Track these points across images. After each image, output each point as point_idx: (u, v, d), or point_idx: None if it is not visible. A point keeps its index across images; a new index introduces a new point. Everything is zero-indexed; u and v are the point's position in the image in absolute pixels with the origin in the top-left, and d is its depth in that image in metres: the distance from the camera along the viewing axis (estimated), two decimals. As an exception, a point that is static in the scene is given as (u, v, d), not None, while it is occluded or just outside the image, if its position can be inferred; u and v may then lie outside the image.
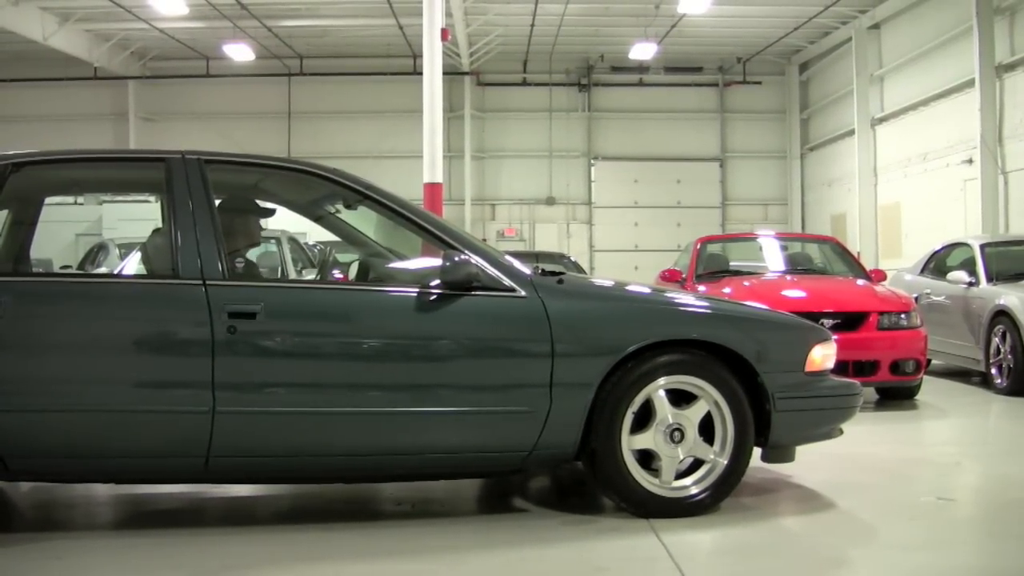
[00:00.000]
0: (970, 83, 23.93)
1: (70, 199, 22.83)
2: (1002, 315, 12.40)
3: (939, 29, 26.02)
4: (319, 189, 6.71)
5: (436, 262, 5.88)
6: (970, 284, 13.38)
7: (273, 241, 16.19)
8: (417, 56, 24.91)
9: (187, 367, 5.53)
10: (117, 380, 5.52)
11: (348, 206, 6.79)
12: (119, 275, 8.18)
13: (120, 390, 5.52)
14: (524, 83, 35.17)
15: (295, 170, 6.46)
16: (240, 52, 30.28)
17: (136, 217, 19.95)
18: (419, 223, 6.12)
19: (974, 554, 5.69)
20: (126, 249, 14.97)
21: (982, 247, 13.96)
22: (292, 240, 16.66)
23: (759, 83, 35.85)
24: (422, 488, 6.99)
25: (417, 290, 5.86)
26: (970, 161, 24.27)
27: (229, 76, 33.08)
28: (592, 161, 35.59)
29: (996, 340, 12.48)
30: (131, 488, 6.91)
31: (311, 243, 18.70)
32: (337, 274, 7.86)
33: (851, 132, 30.81)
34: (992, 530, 6.28)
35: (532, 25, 29.50)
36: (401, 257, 7.03)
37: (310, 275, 14.14)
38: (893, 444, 9.21)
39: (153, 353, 5.60)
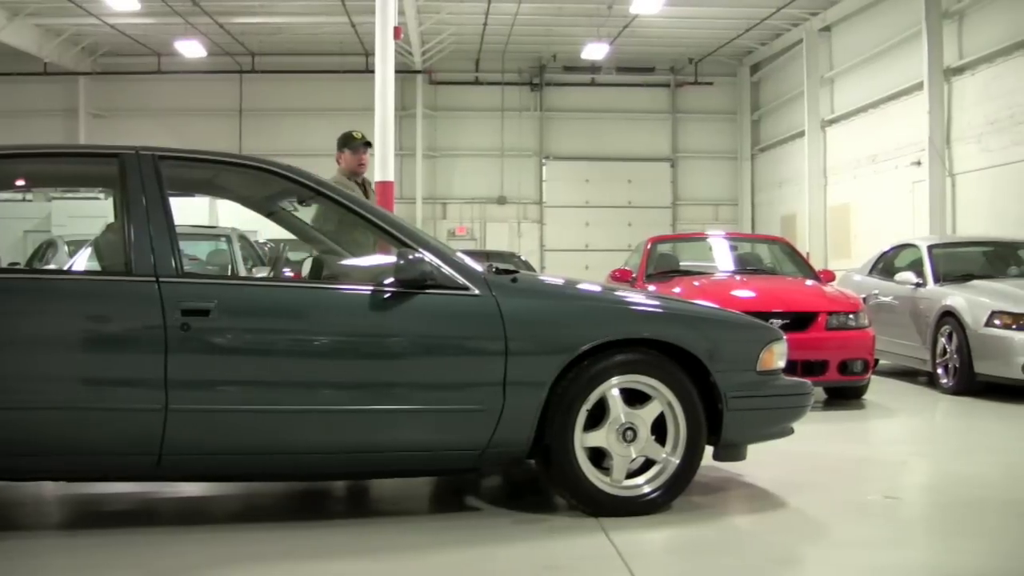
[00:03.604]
0: (919, 86, 24.15)
1: (19, 196, 22.64)
2: (948, 316, 12.51)
3: (889, 32, 26.24)
4: (273, 186, 6.67)
5: (390, 260, 5.87)
6: (918, 285, 13.49)
7: (223, 239, 16.10)
8: (369, 54, 24.87)
9: (139, 364, 5.48)
10: (68, 377, 5.46)
11: (302, 203, 6.78)
12: (71, 271, 8.12)
13: (71, 387, 5.46)
14: (476, 82, 35.19)
15: (250, 167, 6.42)
16: (192, 49, 30.16)
17: (87, 214, 19.84)
18: (373, 220, 6.11)
19: (921, 551, 5.74)
20: (76, 246, 14.85)
21: (930, 248, 14.09)
22: (243, 238, 16.58)
23: (711, 84, 36.01)
24: (375, 487, 6.99)
25: (371, 288, 5.85)
26: (919, 163, 24.48)
27: (181, 73, 32.94)
28: (544, 160, 35.65)
29: (943, 340, 12.59)
30: (82, 487, 6.86)
31: (261, 241, 18.61)
32: (288, 272, 7.82)
33: (801, 133, 31.01)
34: (938, 528, 6.35)
35: (485, 24, 29.52)
36: (355, 254, 7.02)
37: (261, 273, 14.06)
38: (842, 443, 9.28)
39: (105, 350, 5.55)
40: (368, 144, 9.99)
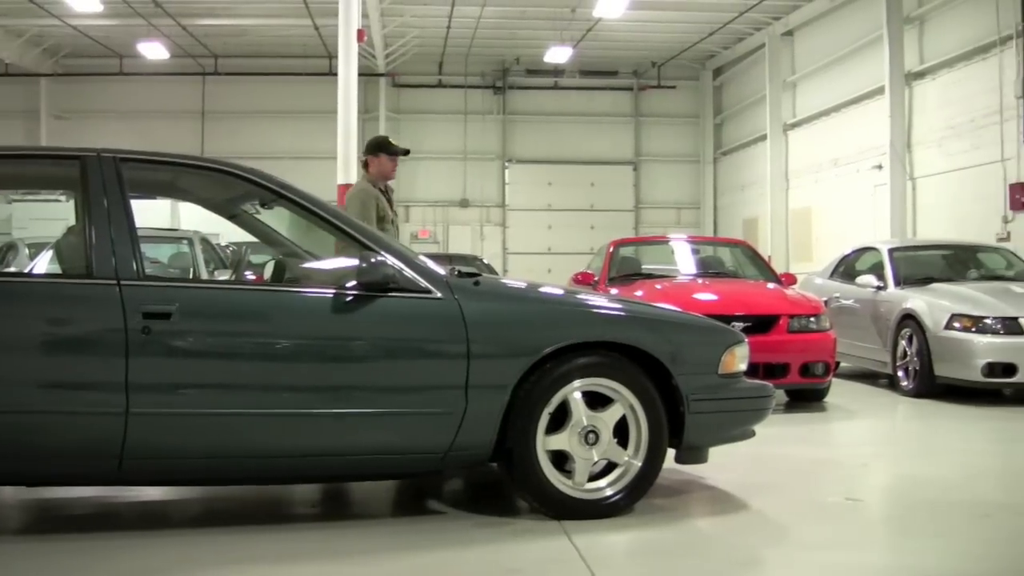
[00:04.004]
0: (880, 90, 24.32)
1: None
2: (909, 319, 12.58)
3: (851, 37, 26.41)
4: (236, 188, 6.64)
5: (352, 263, 5.85)
6: (878, 288, 13.58)
7: (185, 242, 16.04)
8: (333, 57, 24.77)
9: (100, 368, 5.44)
10: (28, 381, 5.41)
11: (264, 206, 6.75)
12: (31, 274, 8.07)
13: (31, 391, 5.41)
14: (440, 85, 35.22)
15: (212, 169, 6.38)
16: (154, 50, 30.01)
17: (47, 216, 19.73)
18: (336, 223, 6.09)
19: (882, 553, 5.76)
20: (36, 249, 14.77)
21: (890, 252, 14.18)
22: (204, 241, 16.52)
23: (673, 87, 36.15)
24: (337, 490, 6.98)
25: (333, 291, 5.84)
26: (880, 167, 24.66)
27: (143, 75, 32.79)
28: (506, 163, 35.69)
29: (903, 343, 12.67)
30: (41, 491, 6.81)
31: (223, 244, 18.55)
32: (250, 275, 7.79)
33: (764, 137, 31.16)
34: (899, 529, 6.39)
35: (448, 27, 29.54)
36: (317, 258, 7.01)
37: (223, 276, 14.01)
38: (803, 445, 9.32)
39: (66, 353, 5.51)
40: (407, 153, 9.92)
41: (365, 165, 10.00)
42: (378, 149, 9.86)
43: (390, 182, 10.03)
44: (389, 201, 9.81)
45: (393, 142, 9.90)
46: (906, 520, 6.60)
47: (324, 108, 22.24)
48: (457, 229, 35.28)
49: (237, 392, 5.64)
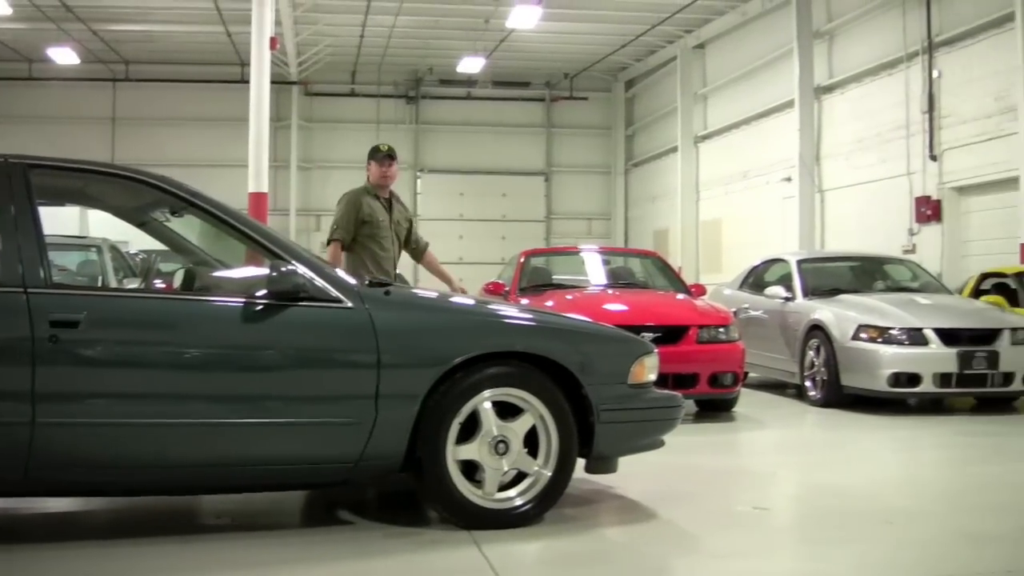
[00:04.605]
0: (790, 104, 24.62)
1: None
2: (817, 329, 12.74)
3: (762, 51, 26.70)
4: (145, 196, 6.57)
5: (263, 272, 5.83)
6: (787, 299, 13.73)
7: (94, 249, 15.85)
8: (245, 64, 24.62)
9: (6, 376, 5.35)
10: (-68, 390, 5.35)
11: (174, 214, 6.69)
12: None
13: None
14: (352, 94, 35.11)
15: (121, 176, 6.31)
16: (64, 55, 29.52)
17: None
18: (246, 232, 6.04)
19: (790, 560, 5.85)
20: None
21: (799, 263, 14.35)
22: (114, 248, 16.33)
23: (585, 99, 36.31)
24: (246, 500, 6.93)
25: (244, 300, 5.80)
26: (789, 179, 24.95)
27: (53, 80, 32.26)
28: (418, 173, 35.64)
29: (811, 353, 12.81)
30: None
31: (133, 252, 18.35)
32: (159, 284, 7.71)
33: (675, 149, 31.39)
34: (806, 537, 6.47)
35: (362, 36, 29.45)
36: (228, 266, 6.96)
37: (132, 284, 13.87)
38: (712, 455, 9.40)
39: (-31, 362, 5.44)
40: (392, 156, 9.87)
41: (367, 173, 9.99)
42: (369, 155, 9.88)
43: (392, 188, 9.96)
44: (390, 210, 9.75)
45: (382, 147, 9.88)
46: (813, 528, 6.68)
47: (236, 116, 22.11)
48: (369, 238, 35.13)
49: (146, 402, 5.58)
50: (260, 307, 5.76)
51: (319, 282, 5.86)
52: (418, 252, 10.15)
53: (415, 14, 27.37)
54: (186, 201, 6.14)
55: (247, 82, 17.02)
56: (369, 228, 9.55)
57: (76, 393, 5.46)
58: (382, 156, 9.76)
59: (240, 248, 6.48)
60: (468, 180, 35.46)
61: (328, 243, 9.66)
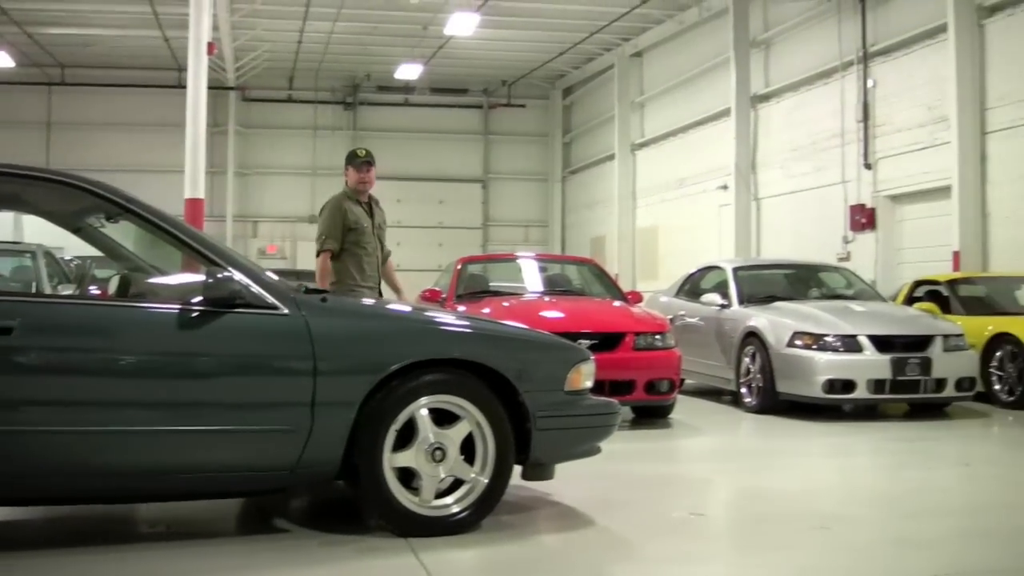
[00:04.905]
0: (726, 112, 24.81)
1: None
2: (752, 336, 12.82)
3: (699, 59, 26.88)
4: (80, 201, 6.50)
5: (199, 278, 5.79)
6: (723, 306, 13.81)
7: (28, 255, 15.71)
8: (183, 69, 24.43)
9: (-62, 384, 5.32)
10: None
11: (110, 219, 6.63)
12: None
13: None
14: (290, 100, 35.02)
15: (56, 181, 6.24)
16: (-1, 59, 29.33)
17: None
18: (182, 238, 5.98)
19: (725, 566, 5.88)
20: None
21: (734, 270, 14.44)
22: (48, 254, 16.20)
23: (523, 106, 36.39)
24: (183, 509, 6.88)
25: (179, 306, 5.76)
26: (725, 187, 25.14)
27: (-14, 84, 32.01)
28: (356, 180, 35.51)
29: (746, 360, 12.89)
30: None
31: (68, 258, 18.21)
32: (94, 290, 7.65)
33: (612, 156, 31.50)
34: (741, 542, 6.51)
35: (300, 42, 29.38)
36: (164, 273, 6.92)
37: (67, 290, 13.75)
38: (649, 461, 9.43)
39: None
40: (369, 162, 9.81)
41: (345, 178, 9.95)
42: (347, 160, 9.85)
43: (372, 193, 9.91)
44: (371, 214, 9.72)
45: (359, 153, 9.83)
46: (749, 534, 6.72)
47: (173, 121, 21.99)
48: (306, 245, 34.89)
49: (81, 409, 5.53)
50: (196, 314, 5.72)
51: (255, 289, 5.82)
52: (382, 258, 10.10)
53: (353, 20, 27.32)
54: (121, 207, 6.07)
55: (184, 87, 16.89)
56: (355, 235, 9.55)
57: (9, 400, 5.40)
58: (360, 162, 9.72)
59: (176, 254, 6.44)
60: (406, 187, 35.35)
61: (318, 254, 9.58)
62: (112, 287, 6.53)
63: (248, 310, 5.77)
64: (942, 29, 18.37)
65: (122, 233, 6.99)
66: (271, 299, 5.84)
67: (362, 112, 35.69)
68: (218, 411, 5.72)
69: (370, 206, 9.79)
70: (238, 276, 5.78)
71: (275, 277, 6.09)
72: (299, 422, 5.73)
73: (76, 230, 7.33)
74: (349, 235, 9.53)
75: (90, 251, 7.70)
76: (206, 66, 16.53)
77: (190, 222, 13.43)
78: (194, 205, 15.76)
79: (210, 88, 17.52)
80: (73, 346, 5.64)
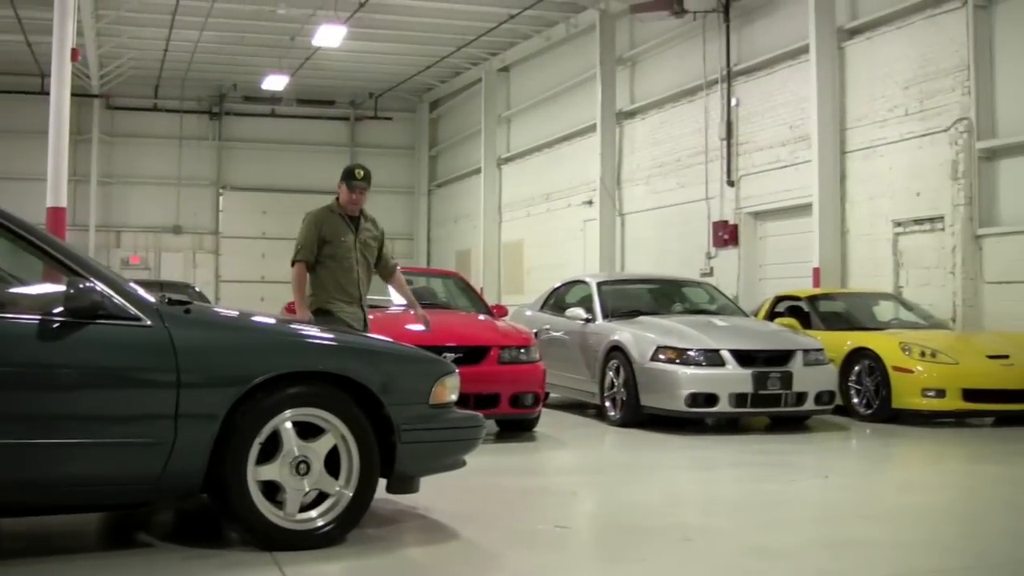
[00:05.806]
0: (592, 128, 25.03)
1: None
2: (616, 350, 12.92)
3: (565, 75, 27.08)
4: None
5: (60, 288, 5.69)
6: (587, 320, 13.90)
7: None
8: (46, 76, 24.03)
9: None
10: None
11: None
12: None
13: None
14: (155, 108, 34.62)
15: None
16: None
17: None
18: (43, 247, 5.88)
19: (587, 579, 5.94)
20: None
21: (599, 285, 14.56)
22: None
23: (390, 119, 36.42)
24: (42, 523, 6.76)
25: (40, 317, 5.66)
26: (590, 202, 25.36)
27: None
28: (221, 190, 35.32)
29: (611, 374, 12.98)
30: None
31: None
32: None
33: (478, 170, 31.61)
34: (605, 554, 6.55)
35: (166, 50, 29.03)
36: (23, 282, 6.80)
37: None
38: (514, 474, 9.47)
39: None
40: (367, 183, 9.64)
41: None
42: (342, 177, 9.69)
43: (363, 209, 9.77)
44: (357, 229, 9.57)
45: (358, 173, 9.66)
46: (613, 545, 6.77)
47: (35, 128, 21.58)
48: (169, 256, 34.67)
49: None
50: (57, 324, 5.62)
51: (117, 300, 5.74)
52: (386, 272, 10.00)
53: (220, 29, 27.10)
54: (-26, 214, 5.96)
55: (47, 93, 16.58)
56: (330, 248, 9.43)
57: None
58: (355, 183, 9.56)
59: (37, 264, 6.34)
60: (271, 198, 35.16)
61: (292, 264, 9.49)
62: (-32, 297, 6.39)
63: (110, 321, 5.69)
64: (804, 50, 18.73)
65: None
66: (133, 310, 5.76)
67: (228, 122, 35.40)
68: (80, 424, 5.63)
69: (357, 220, 9.70)
70: (100, 287, 5.69)
71: (138, 288, 6.02)
72: (162, 435, 5.67)
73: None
74: (325, 247, 9.44)
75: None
76: (70, 73, 16.26)
77: (52, 231, 13.21)
78: (56, 214, 15.48)
79: (74, 95, 17.23)
80: (-71, 357, 5.52)
